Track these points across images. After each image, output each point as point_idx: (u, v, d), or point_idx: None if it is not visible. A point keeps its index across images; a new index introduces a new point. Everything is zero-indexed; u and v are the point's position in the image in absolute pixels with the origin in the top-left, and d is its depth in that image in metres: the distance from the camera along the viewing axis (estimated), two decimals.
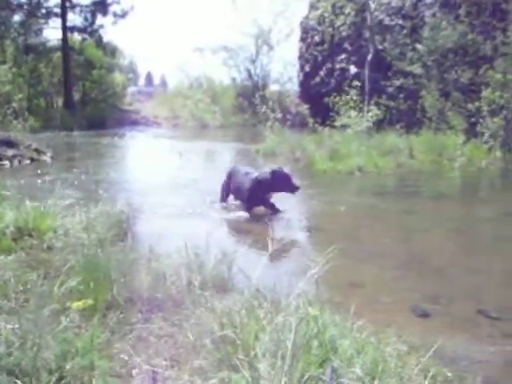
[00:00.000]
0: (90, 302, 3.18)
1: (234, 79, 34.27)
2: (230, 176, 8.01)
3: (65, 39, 29.18)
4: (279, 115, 17.95)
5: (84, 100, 30.97)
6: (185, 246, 4.26)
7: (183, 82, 36.66)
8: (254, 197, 7.40)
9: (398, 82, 18.58)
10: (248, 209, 7.46)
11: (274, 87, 32.55)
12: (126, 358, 3.06)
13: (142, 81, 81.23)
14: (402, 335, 3.36)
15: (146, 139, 22.80)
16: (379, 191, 10.13)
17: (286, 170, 7.78)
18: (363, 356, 2.63)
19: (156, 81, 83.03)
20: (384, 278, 4.95)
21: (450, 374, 2.95)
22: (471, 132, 14.61)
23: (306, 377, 2.34)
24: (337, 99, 16.95)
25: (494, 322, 4.00)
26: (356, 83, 17.12)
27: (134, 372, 2.94)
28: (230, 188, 7.98)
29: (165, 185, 9.80)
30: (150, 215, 6.94)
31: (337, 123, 16.14)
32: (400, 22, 20.67)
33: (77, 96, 31.05)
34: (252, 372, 2.34)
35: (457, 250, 6.13)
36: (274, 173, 7.34)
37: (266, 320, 2.87)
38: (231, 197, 8.10)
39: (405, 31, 20.21)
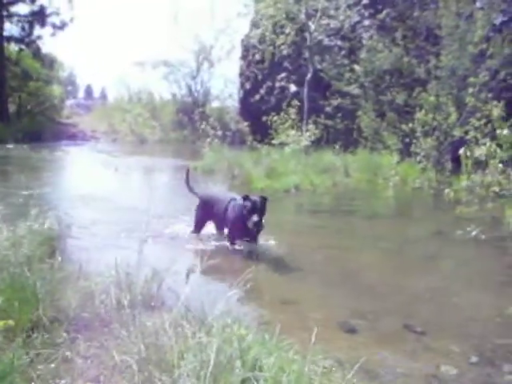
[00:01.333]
0: (10, 322, 3.09)
1: (174, 95, 34.22)
2: (206, 202, 7.18)
3: (1, 49, 28.45)
4: (219, 132, 18.01)
5: (20, 112, 30.23)
6: (115, 265, 4.20)
7: (123, 96, 36.37)
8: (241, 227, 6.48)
9: (335, 102, 18.98)
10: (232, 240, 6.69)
11: (214, 104, 32.71)
12: (50, 380, 2.99)
13: (81, 93, 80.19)
14: (329, 351, 3.41)
15: (82, 153, 22.41)
16: (314, 209, 10.28)
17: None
18: (288, 374, 2.65)
19: (96, 94, 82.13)
20: (315, 294, 5.01)
21: None
22: (405, 152, 15.01)
23: None
24: (275, 118, 17.14)
25: (418, 337, 4.10)
26: (295, 102, 17.38)
27: None
28: (207, 216, 7.18)
29: (98, 200, 9.63)
30: (81, 232, 6.81)
31: (275, 141, 16.32)
32: (339, 42, 21.15)
33: (12, 108, 30.31)
34: None
35: (387, 269, 6.27)
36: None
37: (192, 339, 2.85)
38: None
39: (343, 52, 20.70)
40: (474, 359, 3.77)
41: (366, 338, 4.06)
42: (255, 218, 6.11)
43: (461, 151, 10.76)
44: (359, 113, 17.41)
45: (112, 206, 9.13)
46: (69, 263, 4.72)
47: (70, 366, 3.06)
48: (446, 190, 11.63)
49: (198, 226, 7.17)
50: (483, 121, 12.14)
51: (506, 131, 9.65)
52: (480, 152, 10.18)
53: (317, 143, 16.45)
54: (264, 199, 6.34)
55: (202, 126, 18.48)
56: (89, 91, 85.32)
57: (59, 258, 4.81)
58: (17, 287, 3.65)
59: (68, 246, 5.69)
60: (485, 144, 10.66)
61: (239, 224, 6.41)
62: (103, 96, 72.12)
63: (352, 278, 5.64)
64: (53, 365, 3.09)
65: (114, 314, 3.62)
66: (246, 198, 6.33)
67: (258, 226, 6.26)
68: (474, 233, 7.63)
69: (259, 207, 6.22)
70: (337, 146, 16.09)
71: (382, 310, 4.66)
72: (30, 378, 2.93)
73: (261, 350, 2.83)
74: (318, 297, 4.86)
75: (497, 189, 9.99)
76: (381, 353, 3.77)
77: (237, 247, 6.57)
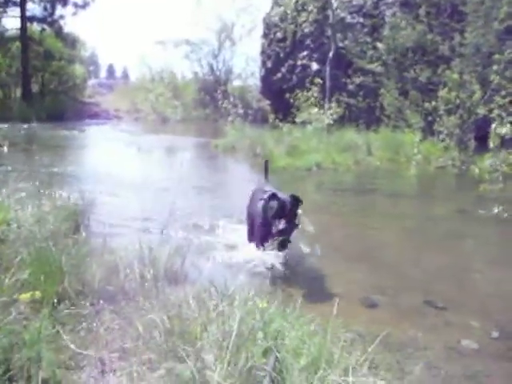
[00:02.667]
0: (37, 294, 3.17)
1: (195, 73, 34.14)
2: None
3: (24, 29, 28.59)
4: (241, 110, 18.02)
5: (43, 91, 30.39)
6: (139, 240, 4.27)
7: (145, 75, 36.38)
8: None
9: (357, 80, 18.82)
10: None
11: (236, 82, 32.61)
12: (75, 350, 3.07)
13: (103, 73, 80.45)
14: (350, 325, 3.45)
15: (105, 132, 22.53)
16: (336, 187, 10.26)
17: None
18: (309, 346, 2.69)
19: (118, 73, 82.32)
20: (337, 270, 5.03)
21: (392, 362, 3.04)
22: (428, 130, 14.88)
23: (248, 366, 2.39)
24: (298, 95, 17.07)
25: (439, 312, 4.12)
26: (317, 80, 17.26)
27: (82, 364, 2.95)
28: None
29: (119, 178, 9.71)
30: (105, 209, 6.89)
31: (297, 119, 16.26)
32: (361, 20, 20.91)
33: (35, 87, 30.48)
34: (197, 362, 2.37)
35: (408, 246, 6.27)
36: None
37: (215, 312, 2.91)
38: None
39: (365, 29, 20.47)
40: (494, 334, 3.79)
41: (386, 313, 4.09)
42: (281, 224, 4.72)
43: (492, 126, 10.59)
44: (382, 91, 17.25)
45: (134, 185, 9.19)
46: (93, 238, 4.78)
47: (95, 337, 3.13)
48: (471, 167, 11.56)
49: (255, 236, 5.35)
50: (508, 99, 11.98)
51: None
52: (506, 129, 10.04)
53: (339, 121, 16.35)
54: (296, 200, 4.92)
55: (224, 105, 18.46)
56: (111, 71, 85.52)
57: (83, 234, 4.89)
58: (42, 261, 3.73)
59: (92, 221, 5.76)
60: (510, 122, 10.52)
61: (262, 227, 5.05)
62: (125, 75, 72.33)
63: (373, 255, 5.66)
64: (78, 336, 3.17)
65: (138, 288, 3.67)
66: (272, 196, 4.92)
67: (285, 233, 4.80)
68: (495, 211, 7.60)
69: (288, 210, 4.82)
70: (359, 125, 15.99)
71: (403, 286, 4.67)
72: (57, 348, 3.02)
73: (282, 322, 2.88)
74: (339, 273, 4.89)
75: None
76: (401, 327, 3.80)
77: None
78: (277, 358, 2.50)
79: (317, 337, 2.86)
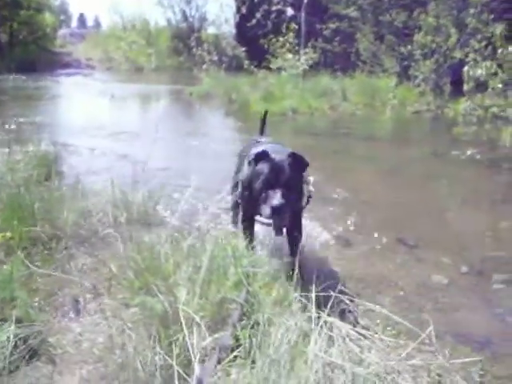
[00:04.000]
0: (8, 234, 3.14)
1: (169, 20, 33.36)
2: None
3: None
4: (215, 58, 17.75)
5: (12, 42, 29.46)
6: (111, 185, 4.24)
7: (117, 24, 35.51)
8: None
9: (333, 25, 18.54)
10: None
11: (210, 29, 31.99)
12: (50, 291, 3.08)
13: (74, 23, 78.38)
14: (324, 263, 3.50)
15: (77, 82, 22.08)
16: (312, 132, 10.24)
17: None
18: (281, 282, 2.73)
19: (89, 22, 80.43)
20: (312, 211, 5.05)
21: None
22: (404, 75, 14.84)
23: (219, 299, 2.41)
24: (273, 41, 16.83)
25: (411, 250, 4.19)
26: (292, 26, 17.01)
27: (56, 304, 2.96)
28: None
29: (92, 127, 9.57)
30: (77, 156, 6.82)
31: (272, 66, 16.07)
32: None
33: (4, 38, 29.57)
34: (169, 297, 2.38)
35: (383, 187, 6.32)
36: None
37: (188, 250, 2.92)
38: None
39: None
40: (464, 269, 3.88)
41: (360, 251, 4.14)
42: (276, 200, 3.04)
43: (464, 69, 10.58)
44: (357, 36, 17.07)
45: (106, 133, 9.07)
46: (65, 185, 4.73)
47: (69, 278, 3.13)
48: (446, 111, 11.61)
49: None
50: (484, 43, 11.93)
51: (510, 48, 9.43)
52: (480, 72, 10.03)
53: (314, 67, 16.21)
54: (298, 161, 3.30)
55: (199, 52, 18.16)
56: (82, 20, 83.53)
57: (55, 180, 4.84)
58: (15, 207, 3.70)
59: (64, 168, 5.71)
60: (485, 65, 10.51)
61: (245, 204, 3.52)
62: (97, 24, 70.74)
63: (348, 196, 5.69)
64: (52, 278, 3.16)
65: (112, 231, 3.66)
66: (260, 155, 3.27)
67: (281, 212, 3.07)
68: (469, 152, 7.66)
69: (287, 177, 3.15)
70: (335, 70, 15.88)
71: (377, 225, 4.72)
72: (30, 290, 3.02)
73: (254, 258, 2.90)
74: (314, 213, 4.92)
75: (495, 110, 9.91)
76: (374, 264, 3.87)
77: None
78: (248, 291, 2.52)
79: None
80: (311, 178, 3.68)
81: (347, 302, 2.11)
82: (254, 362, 2.06)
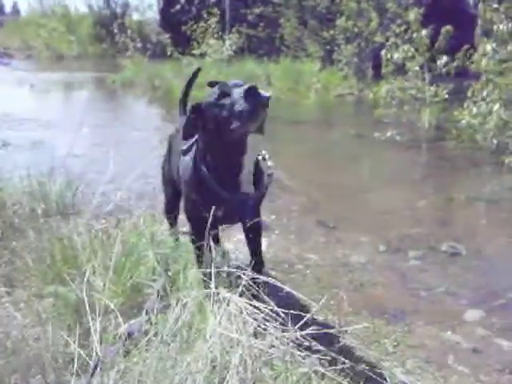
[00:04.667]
0: None
1: (90, 6, 32.46)
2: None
3: None
4: (139, 45, 17.43)
5: None
6: (28, 175, 4.10)
7: (36, 10, 34.32)
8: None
9: (257, 10, 18.55)
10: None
11: (133, 16, 31.35)
12: None
13: None
14: (243, 248, 3.47)
15: None
16: None
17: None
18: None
19: (7, 9, 77.53)
20: None
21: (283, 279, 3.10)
22: (327, 59, 15.00)
23: (134, 284, 2.38)
24: (195, 27, 16.64)
25: (330, 231, 4.25)
26: (214, 10, 16.84)
27: None
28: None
29: (9, 118, 9.21)
30: None
31: (196, 52, 15.91)
32: None
33: None
34: (83, 285, 2.32)
35: (305, 170, 6.38)
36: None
37: (102, 238, 2.85)
38: None
39: None
40: (381, 248, 3.97)
41: (280, 235, 4.15)
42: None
43: (382, 52, 10.75)
44: (281, 21, 17.12)
45: (24, 123, 8.75)
46: None
47: None
48: (368, 94, 11.82)
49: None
50: (403, 27, 12.16)
51: (423, 32, 9.68)
52: (398, 55, 10.22)
53: (239, 53, 16.15)
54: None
55: (122, 39, 17.81)
56: None
57: None
58: None
59: None
60: (402, 49, 10.70)
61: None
62: (15, 11, 68.15)
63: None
64: None
65: (28, 223, 3.53)
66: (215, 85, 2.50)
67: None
68: (389, 134, 7.83)
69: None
70: (259, 55, 15.89)
71: (297, 208, 4.77)
72: None
73: (172, 244, 2.88)
74: None
75: (414, 92, 10.14)
76: (294, 247, 3.89)
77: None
78: (167, 276, 2.49)
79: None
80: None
81: (245, 278, 2.08)
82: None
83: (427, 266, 3.70)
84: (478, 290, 3.35)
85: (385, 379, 2.01)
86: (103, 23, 28.68)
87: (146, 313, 2.23)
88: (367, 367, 2.02)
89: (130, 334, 2.11)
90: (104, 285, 2.38)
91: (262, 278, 2.18)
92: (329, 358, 1.97)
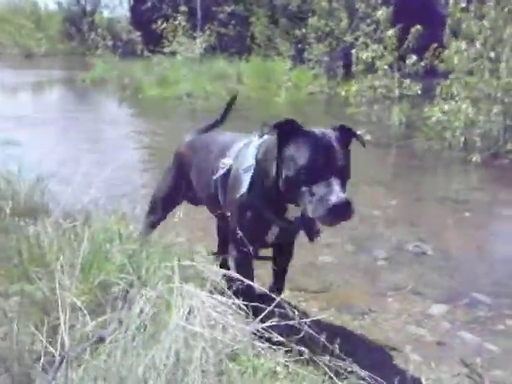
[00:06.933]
0: None
1: (59, 4, 32.09)
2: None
3: None
4: (109, 42, 17.31)
5: None
6: None
7: (4, 7, 33.80)
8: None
9: (229, 9, 18.54)
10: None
11: (103, 13, 31.08)
12: None
13: None
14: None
15: None
16: (207, 115, 10.17)
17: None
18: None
19: None
20: None
21: None
22: (298, 58, 15.09)
23: (100, 282, 2.37)
24: (164, 25, 16.55)
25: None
26: (183, 9, 16.76)
27: None
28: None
29: None
30: None
31: (166, 50, 15.84)
32: None
33: None
34: (50, 283, 2.31)
35: None
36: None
37: (70, 236, 2.83)
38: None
39: None
40: (350, 249, 4.03)
41: None
42: (337, 194, 2.10)
43: (353, 52, 10.85)
44: (252, 19, 17.15)
45: None
46: None
47: None
48: (339, 92, 11.89)
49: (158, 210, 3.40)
50: (373, 26, 12.26)
51: (390, 32, 9.79)
52: (367, 54, 10.31)
53: (210, 51, 16.14)
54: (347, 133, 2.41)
55: (92, 37, 17.66)
56: None
57: None
58: None
59: None
60: (372, 48, 10.80)
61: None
62: None
63: None
64: None
65: None
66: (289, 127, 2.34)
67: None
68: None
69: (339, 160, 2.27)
70: (230, 54, 15.90)
71: None
72: None
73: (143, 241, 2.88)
74: None
75: (383, 90, 10.24)
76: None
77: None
78: (136, 273, 2.48)
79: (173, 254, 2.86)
80: None
81: (206, 271, 2.10)
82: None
83: (394, 265, 3.80)
84: (443, 288, 3.44)
85: (349, 372, 2.03)
86: (73, 20, 28.37)
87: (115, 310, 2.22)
88: (332, 360, 2.03)
89: (101, 339, 2.10)
90: (71, 283, 2.36)
91: (228, 272, 2.19)
92: (292, 350, 1.99)
